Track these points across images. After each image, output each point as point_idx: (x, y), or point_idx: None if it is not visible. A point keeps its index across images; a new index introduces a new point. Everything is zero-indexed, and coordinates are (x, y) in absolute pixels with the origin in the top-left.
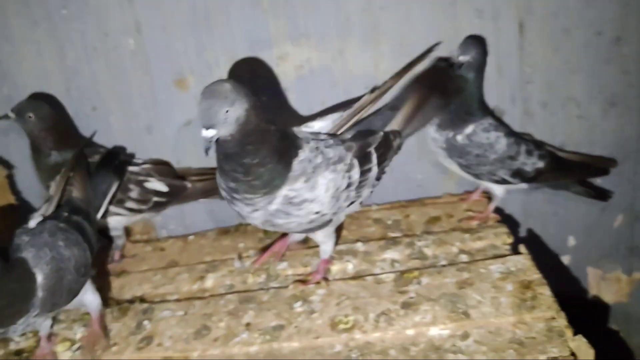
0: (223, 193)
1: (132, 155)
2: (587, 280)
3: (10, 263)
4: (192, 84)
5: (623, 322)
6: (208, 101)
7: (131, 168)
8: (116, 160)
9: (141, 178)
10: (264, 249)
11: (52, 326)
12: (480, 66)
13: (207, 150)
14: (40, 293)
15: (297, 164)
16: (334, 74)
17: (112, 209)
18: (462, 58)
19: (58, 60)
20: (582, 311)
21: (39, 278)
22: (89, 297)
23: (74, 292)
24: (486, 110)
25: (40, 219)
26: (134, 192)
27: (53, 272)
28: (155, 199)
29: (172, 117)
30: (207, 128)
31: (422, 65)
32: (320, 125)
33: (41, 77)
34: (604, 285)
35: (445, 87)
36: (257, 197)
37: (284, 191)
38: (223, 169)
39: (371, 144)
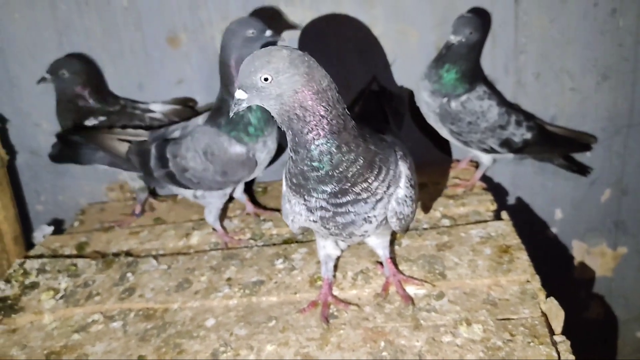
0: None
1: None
2: (572, 253)
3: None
4: (184, 42)
5: (606, 296)
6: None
7: None
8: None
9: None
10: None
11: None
12: (474, 44)
13: None
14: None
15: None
16: (326, 36)
17: None
18: (453, 38)
19: (49, 13)
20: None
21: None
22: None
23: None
24: (481, 78)
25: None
26: None
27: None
28: None
29: (163, 75)
30: None
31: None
32: None
33: (33, 30)
34: (589, 259)
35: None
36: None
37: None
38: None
39: None
